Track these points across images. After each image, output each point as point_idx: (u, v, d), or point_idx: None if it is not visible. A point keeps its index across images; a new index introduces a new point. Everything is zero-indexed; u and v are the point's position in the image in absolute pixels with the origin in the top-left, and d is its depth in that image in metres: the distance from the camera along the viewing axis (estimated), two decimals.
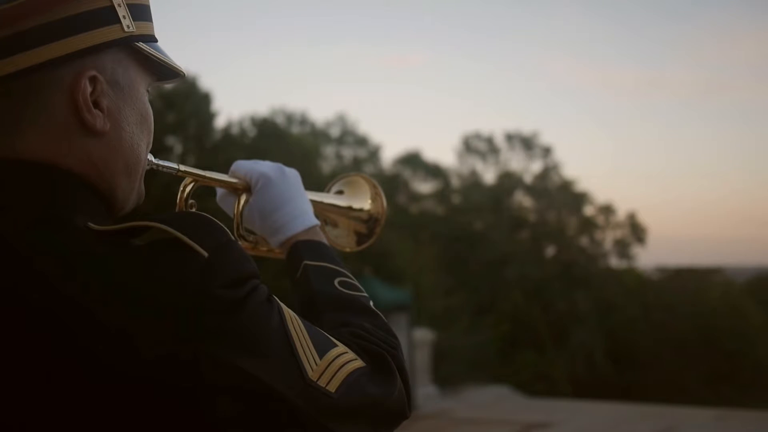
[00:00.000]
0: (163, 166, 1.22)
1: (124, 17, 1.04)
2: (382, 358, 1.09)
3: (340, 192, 1.57)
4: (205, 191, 1.34)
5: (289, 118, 33.38)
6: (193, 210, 1.29)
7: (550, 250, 38.08)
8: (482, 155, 38.87)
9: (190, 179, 1.29)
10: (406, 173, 36.66)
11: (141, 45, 1.08)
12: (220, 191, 1.40)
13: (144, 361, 0.88)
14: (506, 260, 34.83)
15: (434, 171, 36.90)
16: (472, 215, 35.84)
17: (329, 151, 34.92)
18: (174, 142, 20.93)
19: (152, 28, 1.10)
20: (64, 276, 0.90)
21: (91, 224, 0.96)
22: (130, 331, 0.88)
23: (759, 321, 37.31)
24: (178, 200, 1.28)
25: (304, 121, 34.52)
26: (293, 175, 1.37)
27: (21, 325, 0.90)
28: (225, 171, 1.35)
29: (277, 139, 24.66)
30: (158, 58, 1.10)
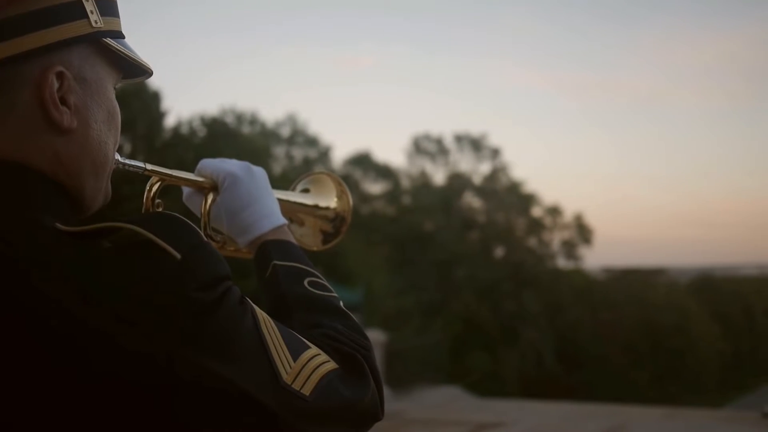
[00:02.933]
0: (130, 165, 1.18)
1: (91, 12, 1.01)
2: (355, 360, 1.08)
3: (305, 190, 1.55)
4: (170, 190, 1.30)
5: (239, 117, 33.16)
6: (161, 210, 1.26)
7: (499, 251, 38.48)
8: (432, 156, 39.12)
9: (156, 178, 1.25)
10: (357, 174, 36.71)
11: (109, 41, 1.05)
12: (186, 190, 1.37)
13: (117, 360, 0.86)
14: (456, 261, 35.10)
15: (384, 172, 37.02)
16: (422, 216, 36.02)
17: (279, 151, 34.79)
18: (122, 141, 20.66)
19: (120, 23, 1.08)
20: (31, 277, 0.87)
21: (59, 225, 0.93)
22: (103, 331, 0.86)
23: (702, 320, 38.17)
24: (144, 200, 1.25)
25: (254, 120, 34.33)
26: (260, 173, 1.35)
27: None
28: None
29: (227, 138, 24.50)
30: (126, 55, 1.08)
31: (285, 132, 35.98)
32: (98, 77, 1.04)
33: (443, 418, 14.79)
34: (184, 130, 24.62)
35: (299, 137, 36.07)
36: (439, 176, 39.10)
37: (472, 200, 39.18)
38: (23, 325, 0.87)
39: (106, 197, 1.10)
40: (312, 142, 36.06)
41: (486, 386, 26.87)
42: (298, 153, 35.72)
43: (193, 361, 0.88)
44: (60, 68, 0.98)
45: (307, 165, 33.38)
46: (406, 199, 37.52)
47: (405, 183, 38.47)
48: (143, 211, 1.25)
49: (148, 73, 1.14)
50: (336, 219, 1.53)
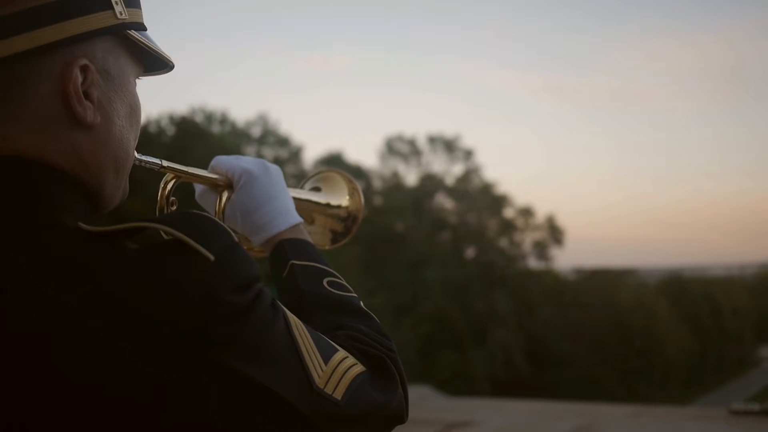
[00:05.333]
0: (146, 162, 1.14)
1: (116, 3, 0.97)
2: (382, 362, 1.06)
3: (316, 188, 1.52)
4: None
5: (209, 117, 32.90)
6: (174, 208, 1.23)
7: (471, 252, 38.58)
8: (404, 157, 39.16)
9: (171, 175, 1.22)
10: None
11: (133, 33, 1.01)
12: (199, 188, 1.33)
13: (146, 373, 0.82)
14: (427, 261, 35.11)
15: (356, 172, 36.90)
16: (394, 216, 36.00)
17: (250, 151, 34.53)
18: None
19: (142, 15, 1.04)
20: (56, 281, 0.83)
21: (82, 224, 0.89)
22: (131, 343, 0.82)
23: (670, 320, 38.59)
24: (159, 198, 1.21)
25: (224, 120, 34.08)
26: (276, 171, 1.32)
27: (10, 331, 0.83)
28: None
29: (197, 137, 24.29)
30: (150, 48, 1.04)
31: (256, 132, 35.80)
32: (121, 71, 1.01)
33: (412, 417, 14.55)
34: (153, 129, 24.38)
35: (270, 137, 35.89)
36: (411, 177, 39.17)
37: (444, 201, 39.28)
38: (43, 337, 0.82)
39: (124, 195, 1.06)
40: (283, 142, 35.89)
41: (455, 385, 26.90)
42: (269, 153, 35.49)
43: (226, 368, 0.85)
44: (84, 61, 0.94)
45: (278, 165, 33.19)
46: (378, 200, 37.47)
47: (377, 184, 38.44)
48: (157, 209, 1.21)
49: (170, 66, 1.10)
50: (348, 218, 1.50)
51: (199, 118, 30.64)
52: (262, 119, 35.96)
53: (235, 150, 26.27)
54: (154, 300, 0.84)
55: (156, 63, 1.09)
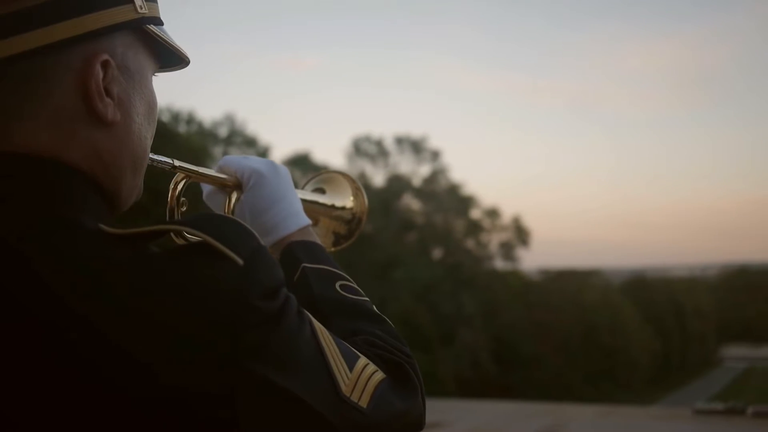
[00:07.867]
0: (158, 161, 1.11)
1: None
2: (402, 368, 1.04)
3: (320, 189, 1.49)
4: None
5: (176, 116, 32.65)
6: (185, 209, 1.20)
7: (438, 252, 38.68)
8: (372, 158, 39.18)
9: (182, 175, 1.19)
10: (296, 175, 36.30)
11: (151, 28, 0.98)
12: (207, 188, 1.30)
13: (171, 384, 0.79)
14: (395, 262, 35.15)
15: None
16: None
17: (217, 151, 34.33)
18: None
19: (158, 9, 1.01)
20: (75, 285, 0.80)
21: (103, 226, 0.86)
22: (156, 353, 0.79)
23: (634, 320, 39.06)
24: (169, 198, 1.18)
25: (191, 120, 33.84)
26: (284, 171, 1.30)
27: (20, 336, 0.80)
28: None
29: (163, 137, 24.07)
30: (168, 43, 1.01)
31: (223, 132, 35.61)
32: (140, 67, 0.98)
33: None
34: None
35: (237, 137, 35.73)
36: (378, 178, 39.19)
37: (411, 202, 39.36)
38: (56, 342, 0.79)
39: (138, 195, 1.03)
40: (250, 142, 35.74)
41: (424, 386, 26.97)
42: (236, 153, 35.30)
43: (255, 374, 0.82)
44: (105, 56, 0.91)
45: None
46: None
47: None
48: (168, 209, 1.18)
49: (186, 62, 1.07)
50: (352, 220, 1.48)
51: (165, 118, 30.38)
52: (229, 119, 35.81)
53: (202, 150, 26.08)
54: (182, 307, 0.80)
55: (171, 58, 1.06)
